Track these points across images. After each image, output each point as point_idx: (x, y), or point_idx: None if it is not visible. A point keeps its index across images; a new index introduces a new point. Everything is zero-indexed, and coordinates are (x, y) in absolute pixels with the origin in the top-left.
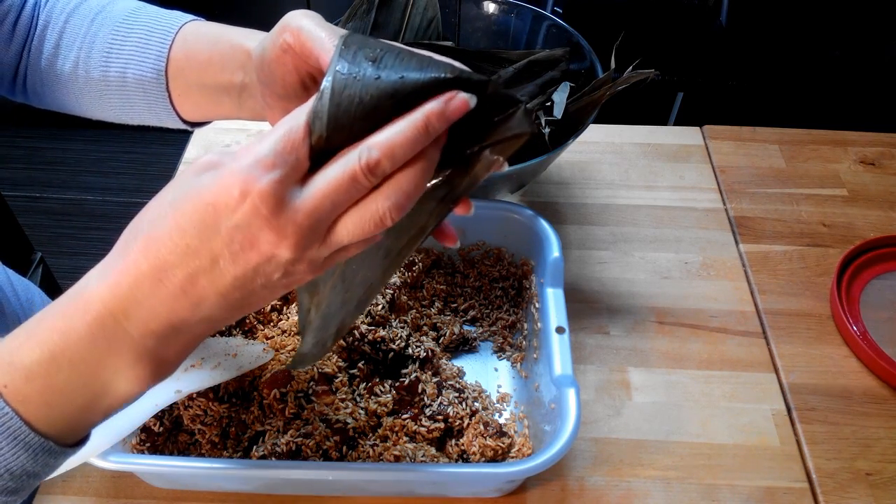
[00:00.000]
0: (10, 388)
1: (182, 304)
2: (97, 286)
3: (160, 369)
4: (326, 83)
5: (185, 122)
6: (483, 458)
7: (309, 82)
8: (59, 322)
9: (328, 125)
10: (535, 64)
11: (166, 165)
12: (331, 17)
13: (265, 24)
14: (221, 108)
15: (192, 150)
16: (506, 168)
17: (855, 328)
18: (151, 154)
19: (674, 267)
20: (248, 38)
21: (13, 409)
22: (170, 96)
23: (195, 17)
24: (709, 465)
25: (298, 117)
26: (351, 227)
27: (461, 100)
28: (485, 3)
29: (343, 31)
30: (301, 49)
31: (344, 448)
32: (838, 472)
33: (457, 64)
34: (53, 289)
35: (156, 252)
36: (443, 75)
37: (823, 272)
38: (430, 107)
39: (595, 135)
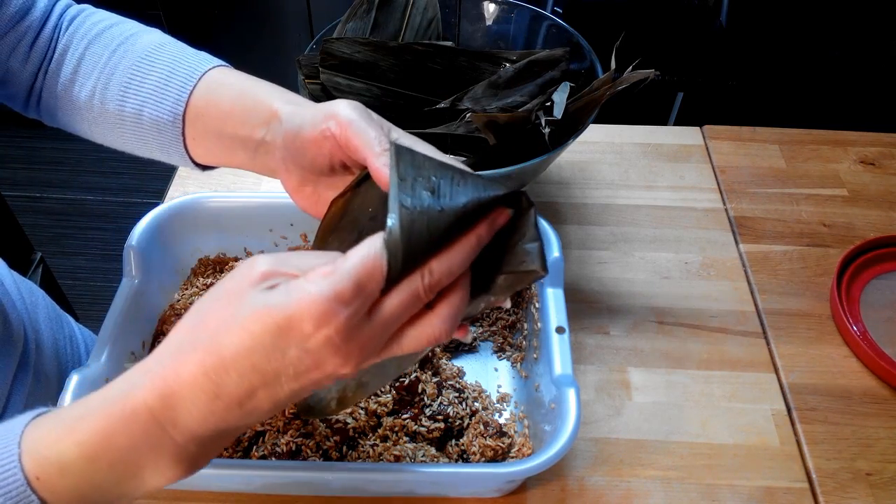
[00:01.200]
0: (42, 480)
1: (235, 414)
2: (147, 394)
3: (196, 468)
4: (393, 222)
5: (196, 164)
6: (483, 458)
7: (338, 167)
8: (103, 423)
9: (403, 261)
10: (535, 64)
11: (166, 165)
12: (331, 17)
13: (266, 22)
14: (234, 158)
15: None
16: (508, 305)
17: (855, 328)
18: None
19: (674, 267)
20: (275, 97)
21: (42, 500)
22: (184, 139)
23: (221, 63)
24: (709, 465)
25: (373, 249)
26: (407, 343)
27: (506, 214)
28: (485, 3)
29: (387, 125)
30: (346, 142)
31: (344, 448)
32: (838, 472)
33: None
34: (53, 289)
35: (216, 369)
36: (501, 194)
37: (823, 272)
38: (483, 225)
39: (595, 135)
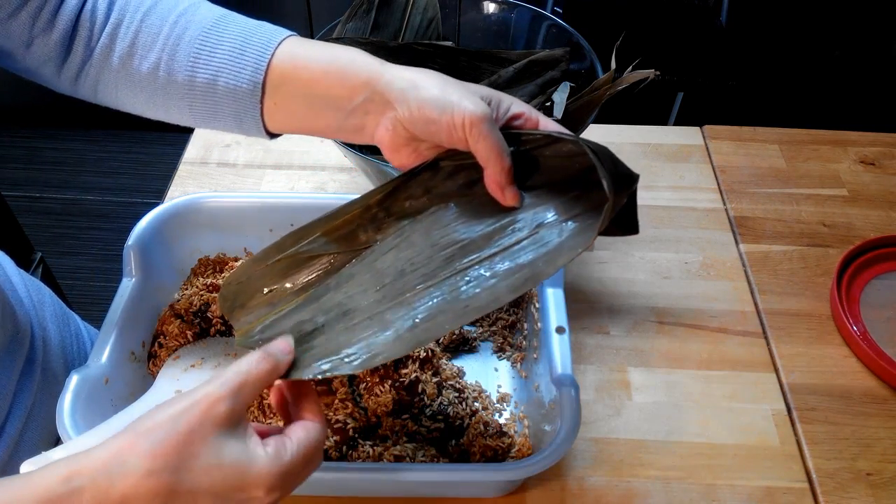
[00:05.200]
0: None
1: None
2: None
3: None
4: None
5: (268, 132)
6: (483, 458)
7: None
8: None
9: None
10: (535, 64)
11: (166, 165)
12: (331, 17)
13: (266, 20)
14: (320, 120)
15: (192, 151)
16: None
17: (855, 328)
18: (151, 154)
19: (674, 267)
20: (373, 61)
21: None
22: (262, 107)
23: (292, 33)
24: (709, 465)
25: (311, 432)
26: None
27: None
28: (485, 3)
29: (506, 103)
30: (473, 143)
31: (344, 448)
32: (838, 472)
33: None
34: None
35: (177, 501)
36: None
37: (823, 272)
38: None
39: (595, 135)
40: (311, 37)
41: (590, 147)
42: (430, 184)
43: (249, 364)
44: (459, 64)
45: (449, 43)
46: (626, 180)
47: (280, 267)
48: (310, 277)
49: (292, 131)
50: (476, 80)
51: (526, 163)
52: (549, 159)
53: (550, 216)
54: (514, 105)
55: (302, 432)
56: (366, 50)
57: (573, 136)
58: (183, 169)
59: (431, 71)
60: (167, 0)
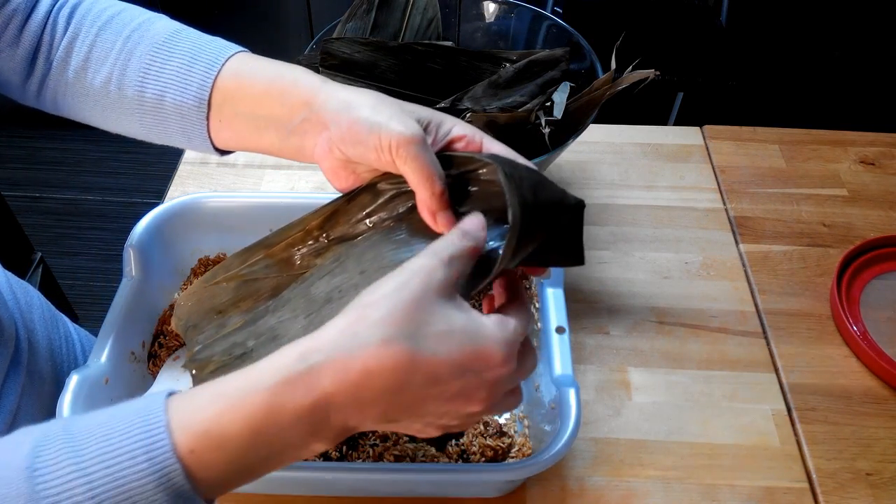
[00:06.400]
0: (196, 453)
1: (403, 413)
2: (327, 382)
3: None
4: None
5: (216, 149)
6: (483, 458)
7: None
8: (271, 399)
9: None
10: (535, 64)
11: (166, 165)
12: (331, 17)
13: (266, 22)
14: (262, 141)
15: (192, 151)
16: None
17: (855, 328)
18: (151, 154)
19: (674, 267)
20: (314, 81)
21: (188, 473)
22: (208, 123)
23: (242, 49)
24: (709, 465)
25: (522, 309)
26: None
27: None
28: (485, 3)
29: (437, 120)
30: (401, 166)
31: (344, 448)
32: (838, 472)
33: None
34: (53, 289)
35: (407, 369)
36: (579, 200)
37: (823, 272)
38: None
39: (595, 135)
40: (312, 37)
41: (505, 172)
42: (369, 208)
43: (453, 239)
44: (459, 64)
45: (449, 43)
46: (553, 209)
47: (231, 287)
48: (257, 300)
49: (239, 149)
50: (476, 81)
51: (463, 186)
52: (488, 184)
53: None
54: (455, 127)
55: (515, 311)
56: (366, 50)
57: (489, 160)
58: (183, 169)
59: (370, 91)
60: (124, 15)
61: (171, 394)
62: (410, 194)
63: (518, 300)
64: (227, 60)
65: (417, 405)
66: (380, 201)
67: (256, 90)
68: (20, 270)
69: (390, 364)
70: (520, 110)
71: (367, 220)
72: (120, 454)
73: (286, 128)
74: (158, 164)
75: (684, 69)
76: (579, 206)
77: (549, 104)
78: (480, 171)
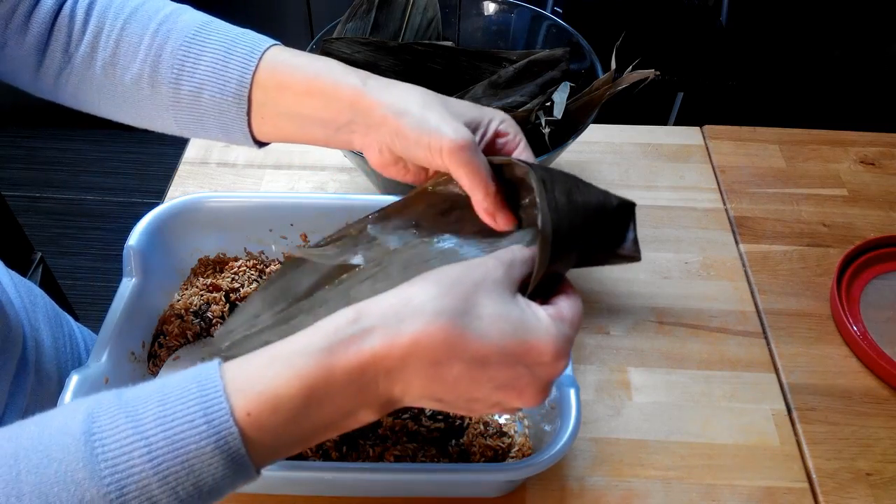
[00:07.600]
0: (252, 416)
1: (449, 392)
2: (378, 344)
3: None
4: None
5: (256, 141)
6: (483, 458)
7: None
8: (323, 359)
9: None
10: (535, 64)
11: (166, 165)
12: (331, 17)
13: (266, 22)
14: (308, 136)
15: (192, 151)
16: None
17: (855, 328)
18: (151, 154)
19: (674, 267)
20: (354, 80)
21: (244, 436)
22: (249, 118)
23: (275, 42)
24: (709, 465)
25: (577, 303)
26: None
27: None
28: (485, 3)
29: (487, 116)
30: (454, 172)
31: (344, 448)
32: (838, 472)
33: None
34: (53, 289)
35: (456, 348)
36: (626, 199)
37: (823, 272)
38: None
39: (595, 135)
40: (312, 37)
41: (539, 177)
42: (422, 213)
43: (514, 248)
44: (459, 64)
45: (449, 43)
46: (594, 212)
47: (268, 292)
48: (291, 303)
49: (283, 141)
50: (476, 81)
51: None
52: (521, 182)
53: (529, 238)
54: (501, 123)
55: (567, 302)
56: (366, 50)
57: (526, 164)
58: (183, 169)
59: (415, 89)
60: (147, 6)
61: (220, 362)
62: (462, 206)
63: (570, 298)
64: (263, 54)
65: (463, 387)
66: (433, 206)
67: (297, 89)
68: (20, 270)
69: (440, 336)
70: (520, 110)
71: (417, 225)
72: (178, 417)
73: (332, 127)
74: (158, 164)
75: (684, 69)
76: (624, 206)
77: (549, 104)
78: (517, 169)
